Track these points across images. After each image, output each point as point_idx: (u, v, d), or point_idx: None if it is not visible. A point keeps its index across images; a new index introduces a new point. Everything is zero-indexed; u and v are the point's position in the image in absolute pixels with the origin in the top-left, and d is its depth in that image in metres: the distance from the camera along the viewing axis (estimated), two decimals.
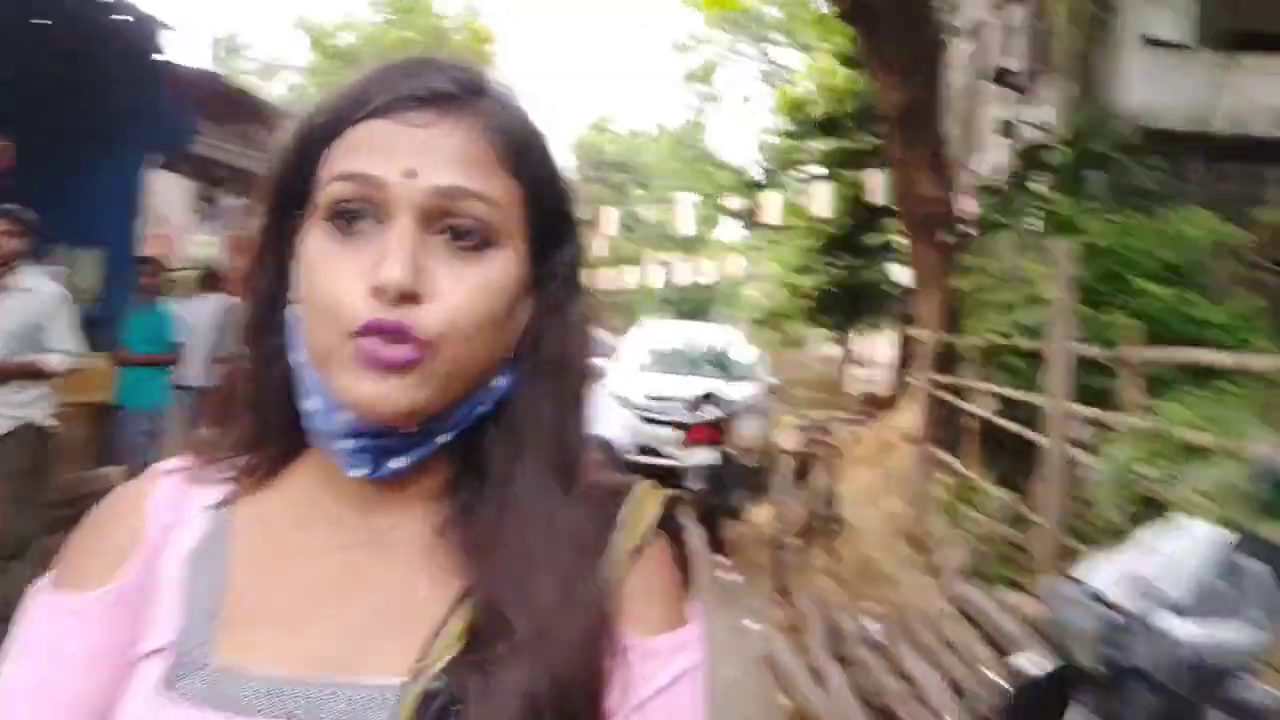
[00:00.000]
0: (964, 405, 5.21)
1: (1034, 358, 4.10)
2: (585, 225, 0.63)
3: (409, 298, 0.51)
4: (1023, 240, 4.88)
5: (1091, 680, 1.22)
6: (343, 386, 0.53)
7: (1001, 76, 8.48)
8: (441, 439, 0.57)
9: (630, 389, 8.07)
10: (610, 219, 16.00)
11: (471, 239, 0.54)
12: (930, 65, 6.16)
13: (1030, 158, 6.03)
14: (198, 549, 0.59)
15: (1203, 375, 3.29)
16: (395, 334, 0.52)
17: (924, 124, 6.03)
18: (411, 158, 0.53)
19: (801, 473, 5.24)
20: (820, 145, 14.28)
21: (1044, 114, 8.90)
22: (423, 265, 0.52)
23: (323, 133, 0.55)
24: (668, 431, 7.37)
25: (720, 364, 9.14)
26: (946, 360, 5.69)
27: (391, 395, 0.52)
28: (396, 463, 0.56)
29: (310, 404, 0.56)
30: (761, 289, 18.01)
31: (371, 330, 0.52)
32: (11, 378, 3.38)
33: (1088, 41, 9.26)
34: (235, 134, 7.93)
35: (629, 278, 16.84)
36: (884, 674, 3.10)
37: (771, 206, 12.63)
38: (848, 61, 13.07)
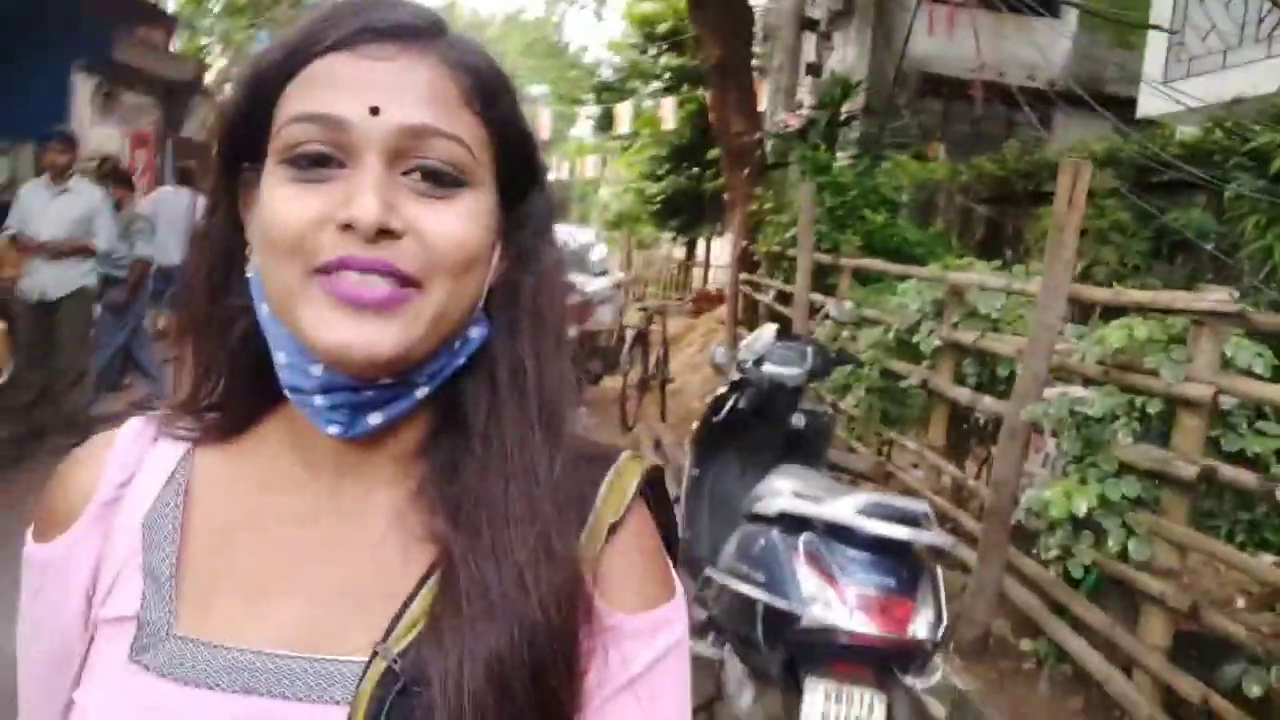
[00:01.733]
0: (757, 296, 7.32)
1: (793, 262, 6.16)
2: (548, 174, 0.61)
3: (385, 234, 0.49)
4: (797, 177, 6.90)
5: (736, 387, 3.24)
6: (312, 331, 0.50)
7: (808, 24, 10.40)
8: (421, 392, 0.55)
9: None
10: None
11: (442, 179, 0.52)
12: (741, 28, 7.98)
13: (809, 116, 8.04)
14: (153, 512, 0.57)
15: (880, 276, 5.41)
16: (375, 270, 0.49)
17: (735, 74, 7.88)
18: (375, 93, 0.50)
19: (640, 342, 7.21)
20: (666, 61, 15.84)
21: (846, 58, 10.94)
22: (395, 203, 0.50)
23: (276, 73, 0.52)
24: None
25: (578, 261, 10.98)
26: (751, 263, 7.76)
27: (370, 338, 0.49)
28: (374, 418, 0.54)
29: (280, 358, 0.54)
30: (614, 193, 19.68)
31: (344, 266, 0.49)
32: (74, 254, 4.87)
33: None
34: (138, 38, 8.84)
35: None
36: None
37: (622, 116, 14.23)
38: None
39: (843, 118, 7.94)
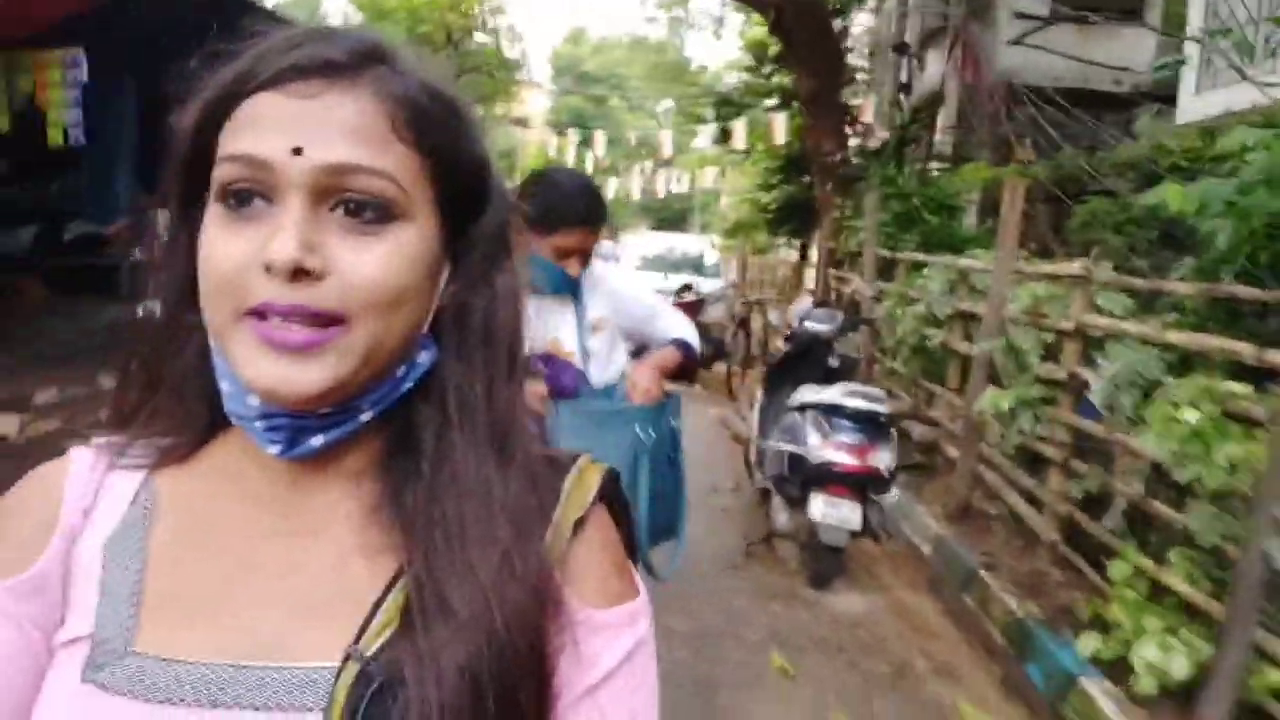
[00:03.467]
0: (842, 288, 8.92)
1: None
2: (507, 193, 0.62)
3: (303, 274, 0.51)
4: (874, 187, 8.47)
5: (789, 339, 4.92)
6: (241, 370, 0.53)
7: (900, 48, 11.85)
8: (365, 416, 0.57)
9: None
10: (599, 140, 19.28)
11: (369, 214, 0.53)
12: (830, 65, 9.60)
13: (890, 134, 9.56)
14: (115, 534, 0.58)
15: (925, 265, 6.95)
16: (294, 314, 0.51)
17: (825, 103, 9.50)
18: (298, 133, 0.52)
19: (743, 329, 8.93)
20: (777, 80, 17.45)
21: (938, 75, 12.28)
22: (317, 241, 0.51)
23: (216, 110, 0.54)
24: None
25: (694, 265, 12.79)
26: (836, 261, 9.34)
27: (293, 378, 0.52)
28: (316, 440, 0.56)
29: (223, 386, 0.56)
30: (731, 202, 21.41)
31: (268, 311, 0.51)
32: None
33: (968, 16, 12.56)
34: None
35: (609, 189, 20.18)
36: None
37: (738, 131, 15.96)
38: None
39: (909, 135, 9.44)
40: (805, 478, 4.03)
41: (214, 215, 0.54)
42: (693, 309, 9.91)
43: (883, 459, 3.96)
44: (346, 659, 0.53)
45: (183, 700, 0.52)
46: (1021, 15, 12.88)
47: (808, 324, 4.88)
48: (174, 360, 0.61)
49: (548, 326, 2.14)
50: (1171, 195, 3.15)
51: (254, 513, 0.59)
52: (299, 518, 0.59)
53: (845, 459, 3.92)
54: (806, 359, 4.91)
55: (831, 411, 4.06)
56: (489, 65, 20.91)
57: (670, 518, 2.19)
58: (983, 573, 4.02)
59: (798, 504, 4.20)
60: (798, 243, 19.49)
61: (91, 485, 0.60)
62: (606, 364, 2.19)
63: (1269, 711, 2.60)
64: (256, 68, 0.54)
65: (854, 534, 4.00)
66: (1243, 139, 3.30)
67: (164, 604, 0.56)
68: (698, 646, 3.50)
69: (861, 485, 3.97)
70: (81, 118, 6.78)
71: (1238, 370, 3.10)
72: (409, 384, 0.58)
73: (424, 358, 0.59)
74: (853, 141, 11.05)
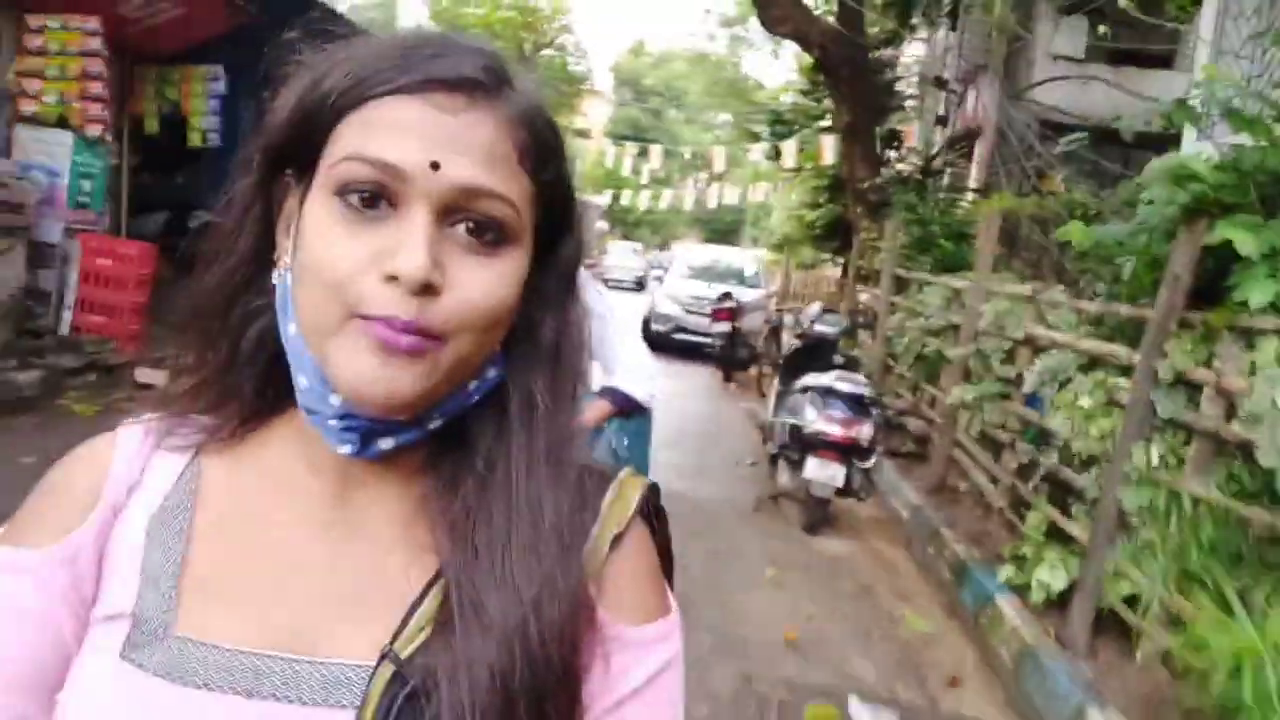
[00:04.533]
0: (868, 302, 9.99)
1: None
2: (581, 224, 0.64)
3: (426, 290, 0.52)
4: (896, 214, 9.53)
5: (800, 338, 6.04)
6: (340, 367, 0.53)
7: (939, 82, 12.86)
8: (434, 424, 0.58)
9: (678, 291, 12.92)
10: (655, 153, 20.52)
11: (489, 236, 0.54)
12: (867, 99, 10.68)
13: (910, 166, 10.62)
14: (159, 513, 0.59)
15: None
16: (410, 331, 0.52)
17: (861, 135, 10.58)
18: (437, 148, 0.52)
19: (774, 336, 10.03)
20: (827, 104, 18.50)
21: (977, 109, 13.26)
22: (439, 258, 0.52)
23: (339, 101, 0.54)
24: (701, 319, 12.21)
25: (737, 276, 13.91)
26: (864, 278, 10.41)
27: (394, 381, 0.52)
28: (386, 443, 0.57)
29: (300, 380, 0.57)
30: (779, 217, 22.47)
31: (388, 323, 0.51)
32: None
33: (1008, 55, 13.53)
34: None
35: (663, 200, 21.38)
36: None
37: (788, 150, 17.04)
38: None
39: (933, 167, 10.48)
40: (803, 445, 5.14)
41: (330, 210, 0.53)
42: (730, 315, 11.04)
43: (864, 432, 5.06)
44: (382, 659, 0.53)
45: (219, 687, 0.53)
46: (1059, 57, 13.85)
47: (816, 326, 6.00)
48: (229, 341, 0.61)
49: None
50: (1074, 232, 4.23)
51: (299, 505, 0.59)
52: (344, 513, 0.59)
53: (834, 430, 5.03)
54: (815, 355, 6.03)
55: (826, 392, 5.18)
56: (557, 79, 22.27)
57: None
58: (942, 530, 5.09)
59: (797, 466, 5.31)
60: (840, 260, 20.54)
61: (138, 463, 0.61)
62: None
63: (1118, 612, 3.64)
64: (394, 71, 0.53)
65: (838, 491, 5.11)
66: (1148, 188, 4.34)
67: (204, 589, 0.56)
68: (713, 563, 4.64)
69: (847, 452, 5.07)
70: (218, 124, 8.15)
71: (1129, 368, 4.16)
72: (477, 396, 0.59)
73: (493, 373, 0.60)
74: (900, 165, 12.10)
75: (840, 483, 5.05)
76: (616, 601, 0.59)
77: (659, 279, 15.67)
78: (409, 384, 0.53)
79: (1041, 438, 4.68)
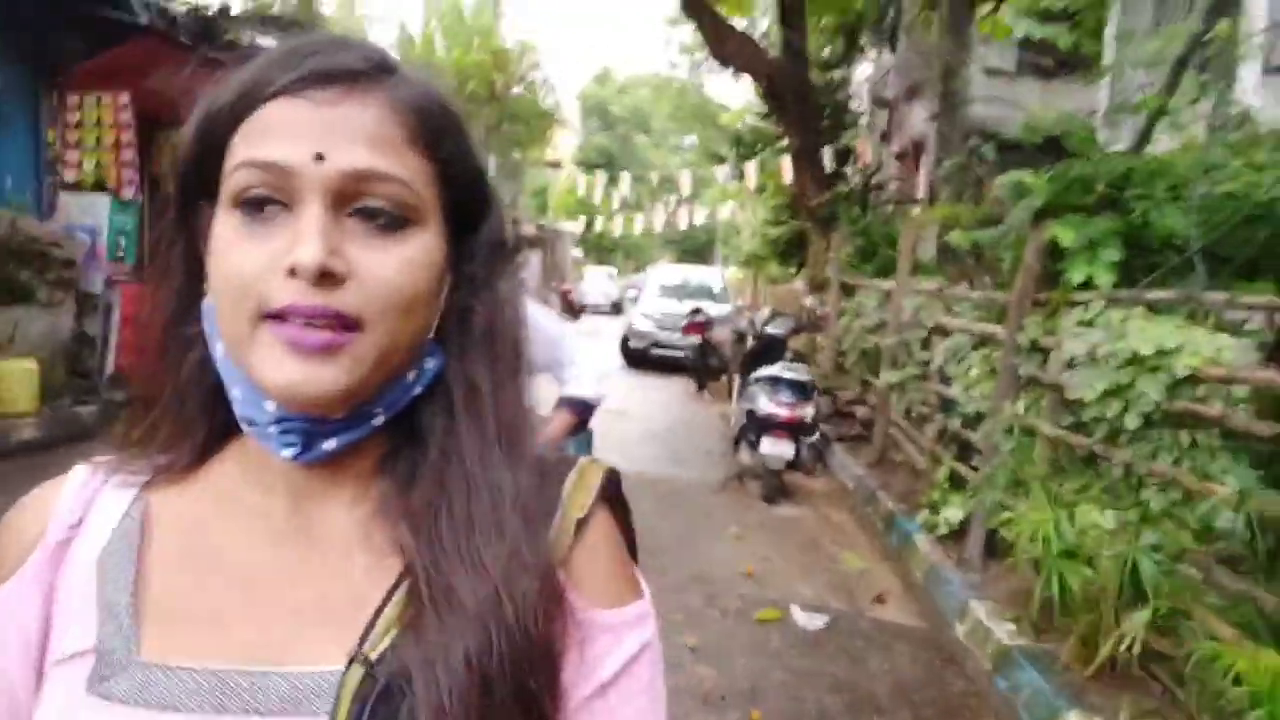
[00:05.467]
0: (818, 309, 11.12)
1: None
2: (500, 203, 0.64)
3: (328, 278, 0.52)
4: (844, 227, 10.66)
5: (755, 339, 7.12)
6: (261, 373, 0.53)
7: (879, 101, 14.08)
8: (377, 421, 0.58)
9: (652, 309, 14.01)
10: (624, 180, 21.70)
11: (386, 220, 0.55)
12: (812, 122, 11.85)
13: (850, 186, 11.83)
14: (107, 549, 0.59)
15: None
16: (317, 316, 0.52)
17: (809, 156, 11.74)
18: (319, 140, 0.53)
19: (740, 342, 11.11)
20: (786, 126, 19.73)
21: (914, 128, 14.48)
22: (338, 246, 0.53)
23: (228, 117, 0.55)
24: (674, 334, 13.28)
25: (706, 292, 15.02)
26: (819, 286, 11.53)
27: (315, 379, 0.52)
28: (330, 444, 0.57)
29: (235, 393, 0.57)
30: (746, 235, 23.64)
31: (290, 314, 0.52)
32: None
33: (944, 72, 14.80)
34: None
35: (636, 224, 22.48)
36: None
37: (750, 172, 18.23)
38: None
39: (873, 182, 11.66)
40: (758, 426, 6.18)
41: (229, 222, 0.54)
42: (701, 328, 12.11)
43: (808, 412, 6.12)
44: (350, 662, 0.53)
45: (189, 707, 0.53)
46: (991, 71, 15.12)
47: (767, 328, 7.08)
48: (172, 373, 0.61)
49: None
50: (956, 237, 5.32)
51: (254, 524, 0.59)
52: (301, 525, 0.59)
53: (782, 412, 6.08)
54: (768, 352, 7.09)
55: (774, 381, 6.23)
56: (527, 115, 23.42)
57: None
58: (878, 492, 6.14)
59: (754, 446, 6.35)
60: (804, 273, 21.70)
61: (81, 501, 0.61)
62: None
63: (1004, 536, 4.68)
64: (273, 75, 0.54)
65: (789, 464, 6.16)
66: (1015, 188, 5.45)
67: (164, 614, 0.57)
68: (687, 526, 5.66)
69: (794, 430, 6.12)
70: None
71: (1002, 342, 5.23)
72: (419, 388, 0.59)
73: (431, 363, 0.60)
74: (842, 184, 13.26)
75: (790, 456, 6.09)
76: (586, 585, 0.59)
77: (634, 300, 16.79)
78: (331, 380, 0.53)
79: (947, 406, 5.74)
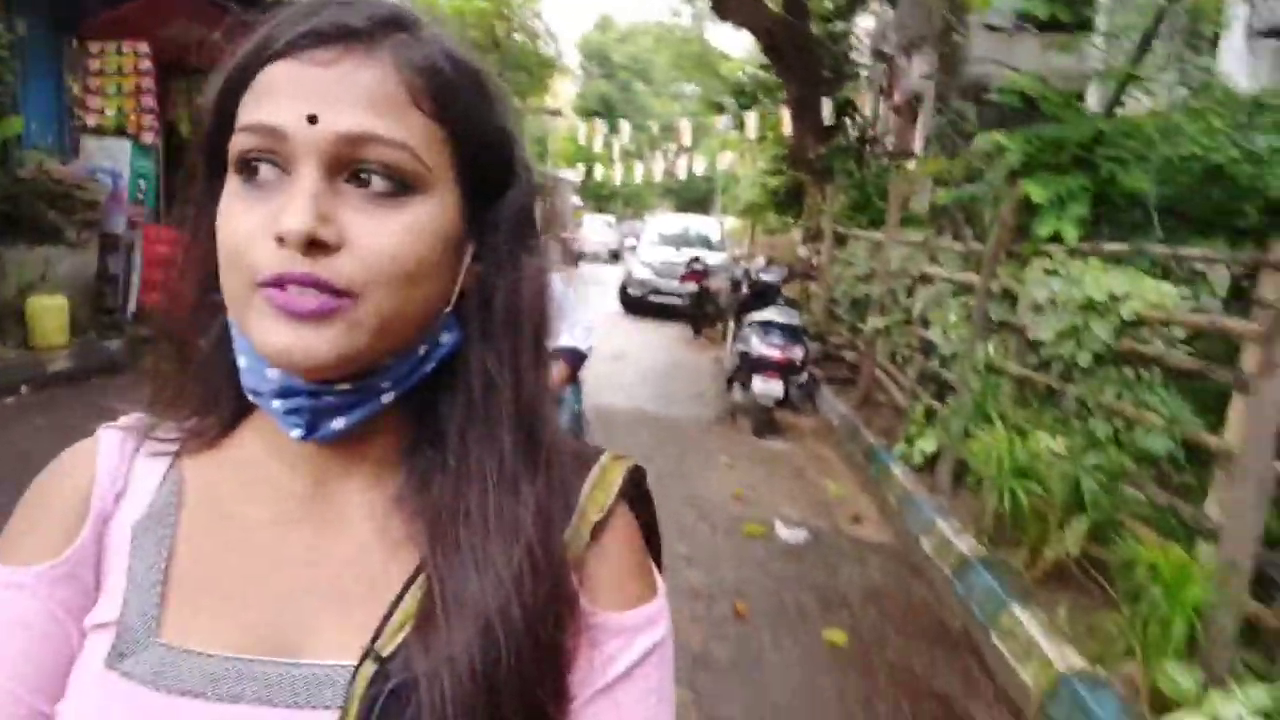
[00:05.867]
0: (814, 259, 11.49)
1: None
2: (533, 173, 0.61)
3: (317, 246, 0.51)
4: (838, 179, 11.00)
5: (750, 286, 7.56)
6: (257, 338, 0.53)
7: (879, 55, 14.29)
8: (386, 398, 0.57)
9: (651, 257, 14.38)
10: (624, 128, 21.86)
11: (386, 185, 0.53)
12: (811, 75, 12.11)
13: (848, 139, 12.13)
14: (143, 519, 0.59)
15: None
16: (307, 283, 0.51)
17: (808, 107, 12.02)
18: (313, 101, 0.52)
19: (735, 290, 11.52)
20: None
21: (913, 81, 14.71)
22: (332, 213, 0.52)
23: (235, 82, 0.55)
24: (672, 281, 13.68)
25: (704, 241, 15.37)
26: (814, 236, 11.90)
27: (307, 344, 0.52)
28: (338, 423, 0.56)
29: (241, 361, 0.57)
30: (745, 185, 23.87)
31: (280, 281, 0.51)
32: None
33: (944, 29, 14.98)
34: None
35: (636, 172, 22.66)
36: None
37: (750, 123, 18.44)
38: None
39: (868, 135, 11.96)
40: (750, 367, 6.61)
41: (231, 188, 0.54)
42: (698, 276, 12.50)
43: (797, 354, 6.55)
44: (364, 658, 0.54)
45: (204, 694, 0.53)
46: (990, 27, 15.30)
47: (762, 275, 7.47)
48: (201, 339, 0.61)
49: None
50: (940, 196, 5.70)
51: (278, 504, 0.60)
52: (322, 509, 0.59)
53: (773, 353, 6.51)
54: (761, 298, 7.50)
55: (766, 325, 6.66)
56: (528, 63, 23.48)
57: None
58: (861, 428, 6.61)
59: (746, 386, 6.79)
60: (800, 223, 21.99)
61: (122, 468, 0.62)
62: None
63: (972, 465, 5.14)
64: (273, 36, 0.54)
65: (779, 402, 6.61)
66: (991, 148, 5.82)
67: (187, 594, 0.57)
68: (681, 458, 6.12)
69: (784, 370, 6.56)
70: None
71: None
72: (431, 364, 0.58)
73: (447, 338, 0.59)
74: (840, 136, 13.55)
75: (780, 394, 6.54)
76: (600, 588, 0.59)
77: (633, 249, 17.19)
78: (326, 346, 0.52)
79: (928, 349, 6.17)
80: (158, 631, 0.55)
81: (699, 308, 12.37)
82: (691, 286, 12.42)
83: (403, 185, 0.54)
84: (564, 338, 2.70)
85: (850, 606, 3.98)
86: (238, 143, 0.54)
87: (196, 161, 0.59)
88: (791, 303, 7.64)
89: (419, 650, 0.53)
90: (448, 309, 0.58)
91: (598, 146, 22.60)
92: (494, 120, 0.58)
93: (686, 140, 21.22)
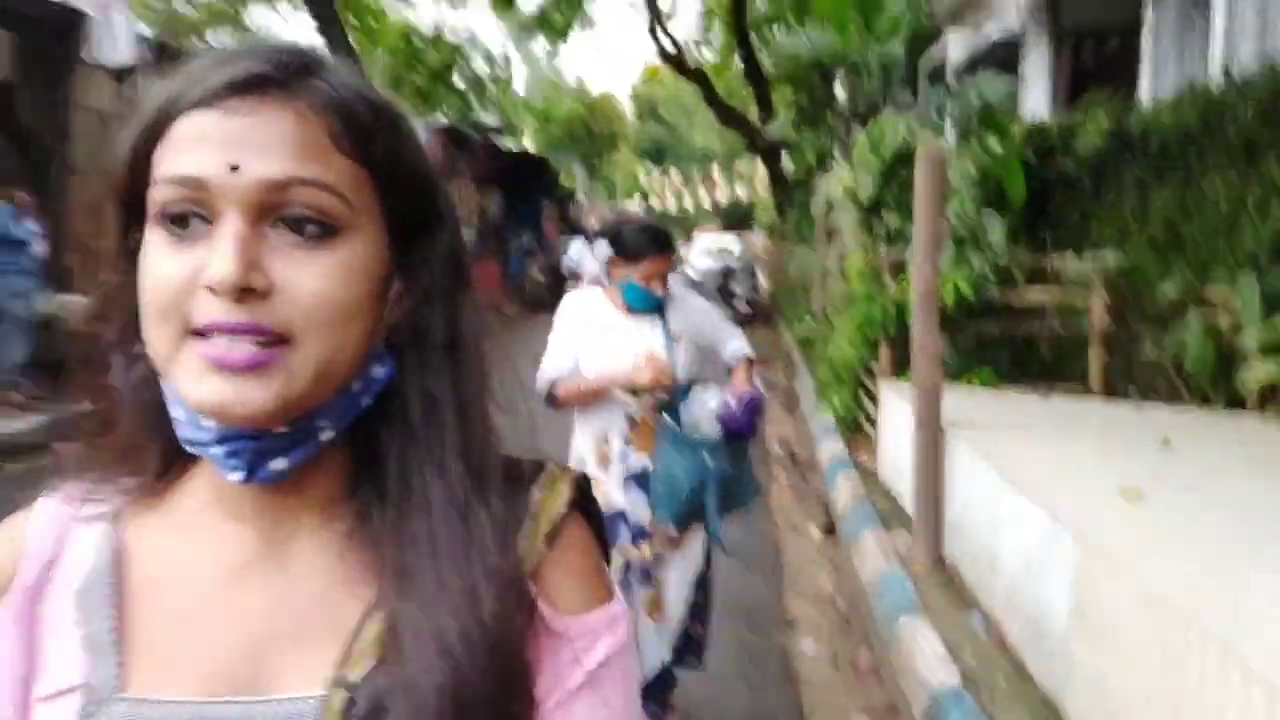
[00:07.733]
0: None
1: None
2: (454, 215, 0.63)
3: (248, 293, 0.51)
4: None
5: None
6: (188, 391, 0.52)
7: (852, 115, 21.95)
8: (325, 435, 0.57)
9: (696, 265, 22.64)
10: (673, 175, 29.70)
11: (312, 228, 0.54)
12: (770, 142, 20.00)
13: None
14: (85, 585, 0.59)
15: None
16: (241, 332, 0.51)
17: (775, 161, 19.87)
18: (234, 150, 0.52)
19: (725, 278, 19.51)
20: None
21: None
22: (260, 259, 0.52)
23: (147, 134, 0.55)
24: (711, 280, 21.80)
25: (729, 253, 23.44)
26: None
27: (244, 397, 0.52)
28: (278, 464, 0.56)
29: (176, 413, 0.56)
30: (760, 209, 31.56)
31: (213, 330, 0.51)
32: None
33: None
34: None
35: (686, 201, 30.17)
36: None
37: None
38: None
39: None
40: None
41: (154, 240, 0.54)
42: (725, 275, 20.56)
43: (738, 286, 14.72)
44: (331, 687, 0.54)
45: None
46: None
47: (731, 264, 15.83)
48: (128, 394, 0.61)
49: (641, 340, 2.65)
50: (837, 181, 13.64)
51: (226, 548, 0.59)
52: (276, 555, 0.59)
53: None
54: (731, 273, 15.76)
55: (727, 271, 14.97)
56: (605, 132, 31.68)
57: (736, 505, 2.81)
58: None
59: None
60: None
61: (52, 537, 0.61)
62: (685, 367, 2.74)
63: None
64: (188, 87, 0.54)
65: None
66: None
67: (148, 649, 0.57)
68: None
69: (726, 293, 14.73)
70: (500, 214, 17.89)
71: None
72: (367, 399, 0.59)
73: (380, 371, 0.59)
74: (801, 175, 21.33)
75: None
76: (560, 594, 0.60)
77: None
78: (262, 397, 0.52)
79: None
80: (125, 688, 0.56)
81: (725, 296, 20.35)
82: (720, 282, 20.46)
83: (329, 227, 0.54)
84: (734, 343, 2.93)
85: None
86: (159, 195, 0.54)
87: (109, 214, 0.59)
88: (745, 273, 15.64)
89: (384, 675, 0.54)
90: (378, 345, 0.59)
91: (653, 182, 30.02)
92: (411, 157, 0.60)
93: (716, 177, 28.42)
